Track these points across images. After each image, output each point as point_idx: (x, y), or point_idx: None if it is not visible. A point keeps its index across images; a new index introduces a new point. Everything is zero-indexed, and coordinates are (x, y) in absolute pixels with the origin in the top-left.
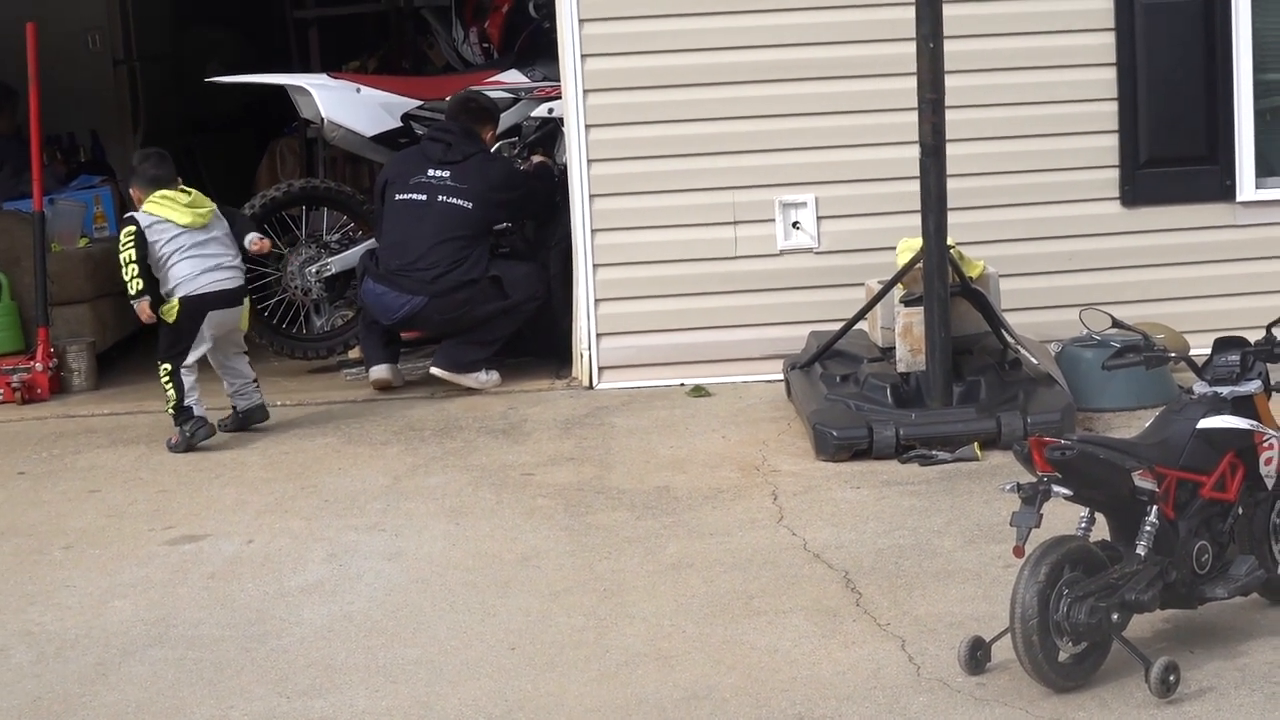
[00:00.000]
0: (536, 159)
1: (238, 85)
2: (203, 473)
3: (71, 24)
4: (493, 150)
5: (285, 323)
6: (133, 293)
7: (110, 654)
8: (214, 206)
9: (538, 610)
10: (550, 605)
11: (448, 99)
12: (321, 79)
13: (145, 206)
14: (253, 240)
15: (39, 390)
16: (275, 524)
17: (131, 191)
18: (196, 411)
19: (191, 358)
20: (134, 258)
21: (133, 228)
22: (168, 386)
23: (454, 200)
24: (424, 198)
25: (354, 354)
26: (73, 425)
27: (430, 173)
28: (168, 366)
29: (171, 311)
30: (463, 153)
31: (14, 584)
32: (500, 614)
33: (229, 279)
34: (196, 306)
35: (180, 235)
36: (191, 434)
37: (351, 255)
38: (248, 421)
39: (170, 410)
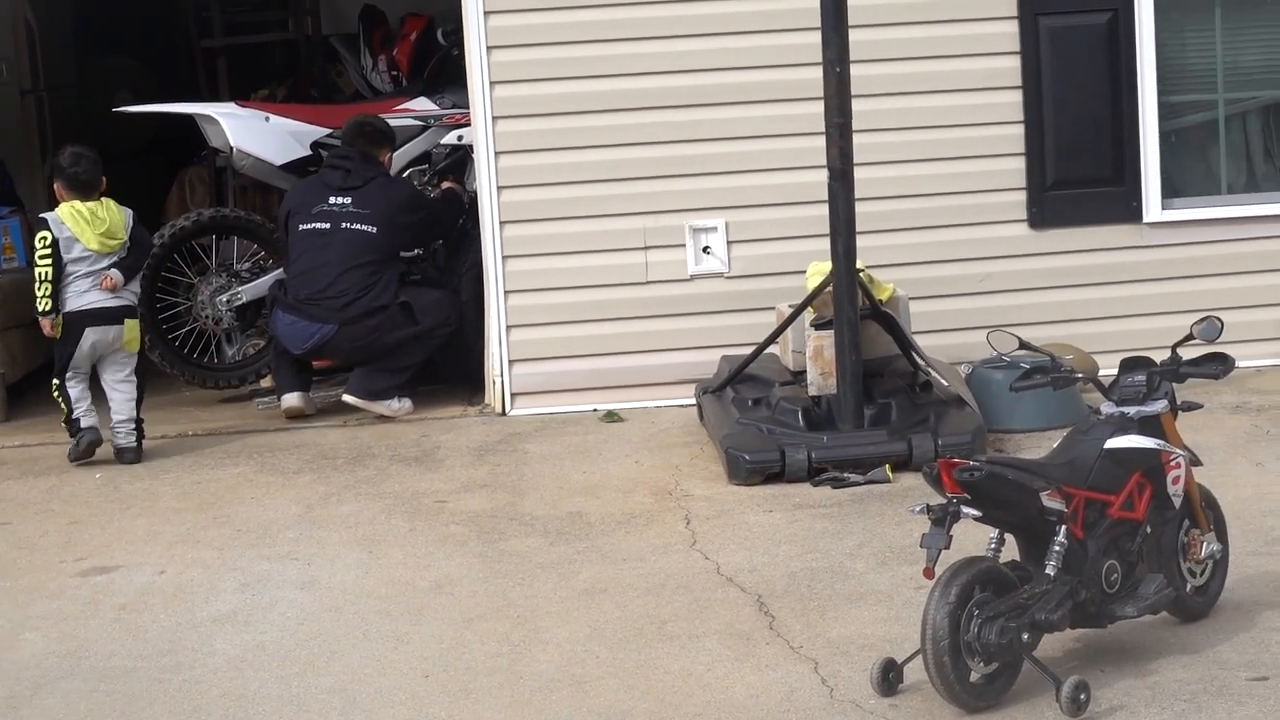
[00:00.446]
0: (446, 185)
1: (146, 114)
2: (114, 504)
3: None
4: (394, 174)
5: (197, 352)
6: (42, 308)
7: (22, 687)
8: (125, 239)
9: (451, 637)
10: (464, 632)
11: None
12: (230, 108)
13: (62, 214)
14: (103, 276)
15: None
16: (187, 554)
17: (55, 187)
18: (84, 423)
19: (72, 372)
20: (50, 276)
21: (48, 236)
22: (58, 399)
23: (358, 226)
24: (327, 226)
25: (266, 383)
26: None
27: (332, 200)
28: (56, 380)
29: (58, 327)
30: (362, 178)
31: None
32: (414, 641)
33: (111, 298)
34: (77, 322)
35: (86, 256)
36: (78, 442)
37: (262, 284)
38: (118, 458)
39: (63, 423)
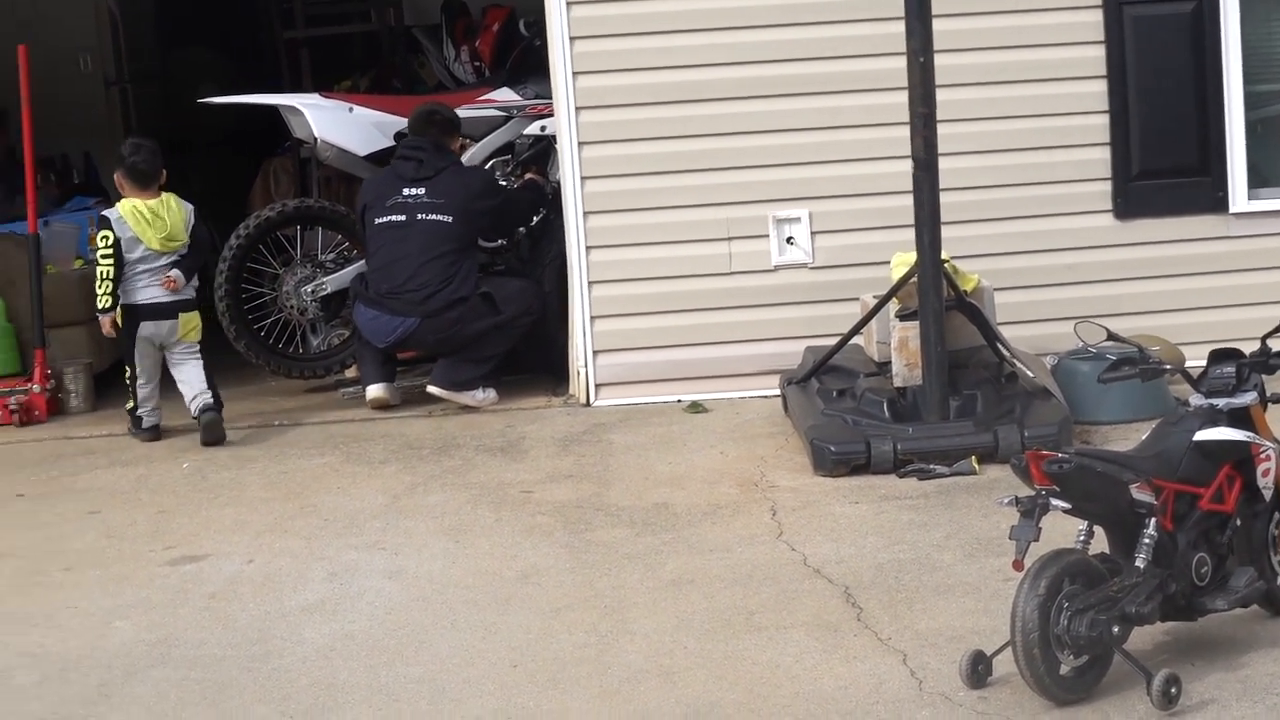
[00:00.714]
0: (529, 176)
1: (230, 105)
2: (202, 493)
3: (63, 46)
4: (477, 165)
5: (282, 342)
6: (102, 305)
7: (113, 675)
8: (186, 240)
9: (539, 627)
10: (551, 622)
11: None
12: (314, 99)
13: (124, 212)
14: (164, 277)
15: (36, 412)
16: (275, 544)
17: (115, 176)
18: (145, 422)
19: (140, 367)
20: (111, 274)
21: (109, 235)
22: (129, 387)
23: (434, 216)
24: (403, 218)
25: (351, 373)
26: (71, 447)
27: (406, 192)
28: (128, 370)
29: (118, 323)
30: (435, 167)
31: (15, 606)
32: (501, 631)
33: (167, 294)
34: (133, 316)
35: (146, 255)
36: (136, 431)
37: (347, 274)
38: (202, 426)
39: (126, 410)
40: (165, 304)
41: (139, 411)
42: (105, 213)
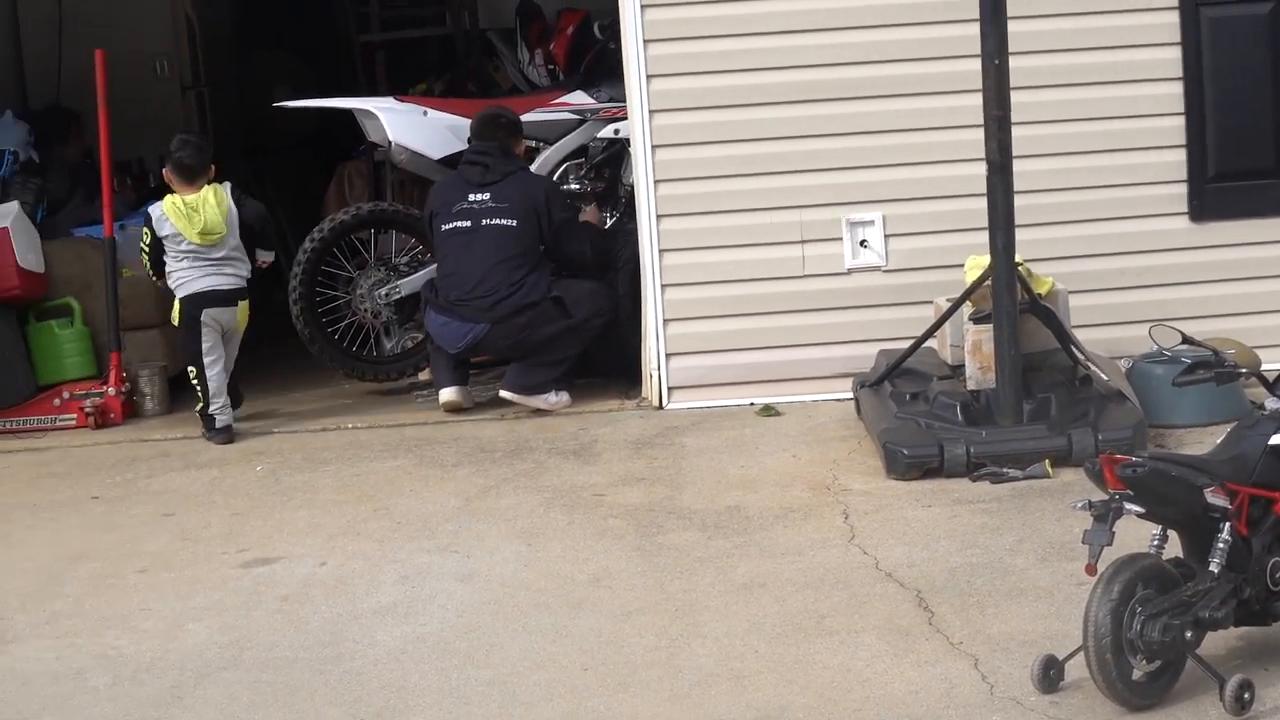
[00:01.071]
0: (583, 219)
1: (305, 109)
2: (275, 495)
3: (140, 51)
4: (556, 170)
5: (355, 345)
6: (152, 276)
7: (185, 677)
8: (225, 232)
9: (610, 631)
10: (622, 626)
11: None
12: (388, 102)
13: (166, 208)
14: (261, 258)
15: (112, 415)
16: (348, 546)
17: (164, 171)
18: (219, 422)
19: (208, 355)
20: (149, 267)
21: (148, 234)
22: (196, 387)
23: (499, 221)
24: (469, 224)
25: (424, 376)
26: (146, 449)
27: (471, 197)
28: (192, 369)
29: (176, 313)
30: (501, 172)
31: (90, 607)
32: (572, 635)
33: (225, 281)
34: (195, 304)
35: (188, 246)
36: (210, 434)
37: (420, 278)
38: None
39: (198, 412)
40: (223, 292)
41: (210, 409)
42: (150, 209)
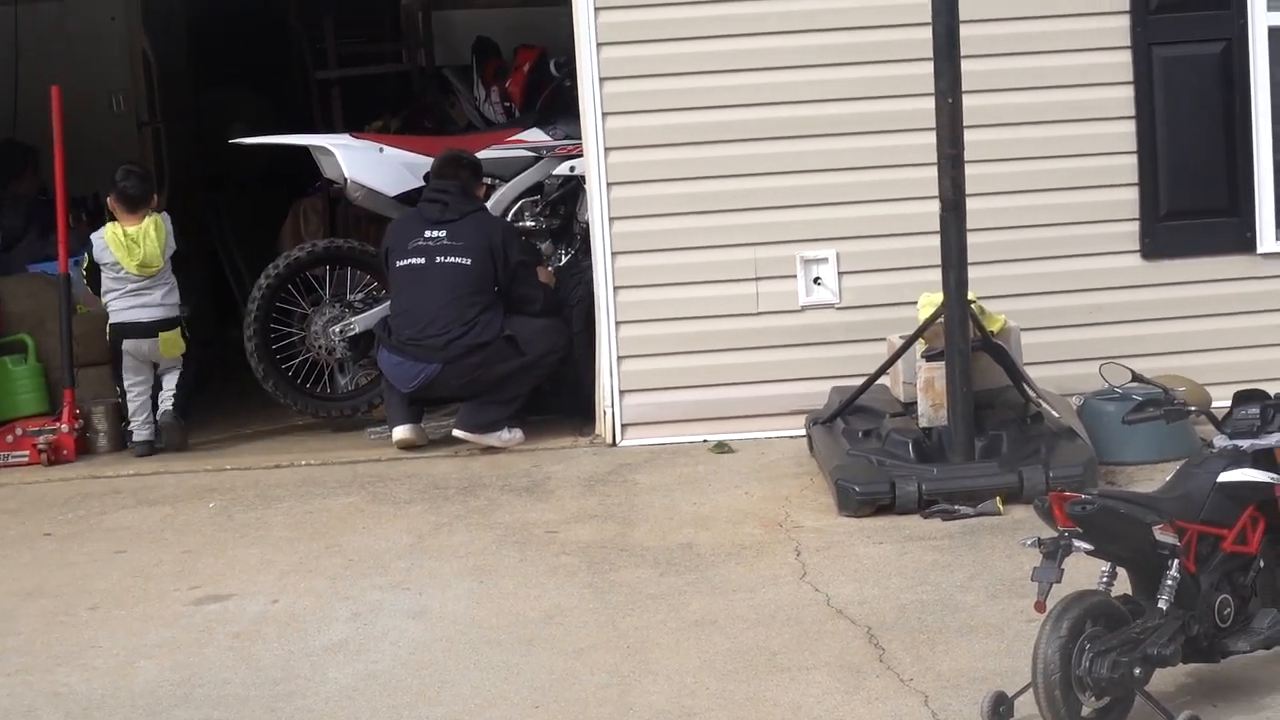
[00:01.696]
0: (542, 279)
1: (262, 145)
2: (227, 532)
3: (96, 86)
4: (511, 207)
5: (310, 382)
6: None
7: (136, 715)
8: (163, 265)
9: (561, 668)
10: (574, 663)
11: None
12: (344, 139)
13: (108, 237)
14: None
15: (65, 451)
16: (300, 583)
17: (109, 200)
18: (136, 436)
19: (128, 378)
20: (88, 287)
21: (86, 259)
22: (121, 401)
23: (453, 259)
24: (423, 260)
25: (378, 413)
26: (98, 486)
27: (427, 234)
28: (118, 389)
29: (107, 334)
30: (459, 210)
31: (41, 645)
32: (524, 672)
33: (147, 313)
34: (118, 333)
35: (124, 275)
36: (133, 446)
37: (374, 314)
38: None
39: (122, 423)
40: (144, 324)
41: (130, 426)
42: (92, 236)
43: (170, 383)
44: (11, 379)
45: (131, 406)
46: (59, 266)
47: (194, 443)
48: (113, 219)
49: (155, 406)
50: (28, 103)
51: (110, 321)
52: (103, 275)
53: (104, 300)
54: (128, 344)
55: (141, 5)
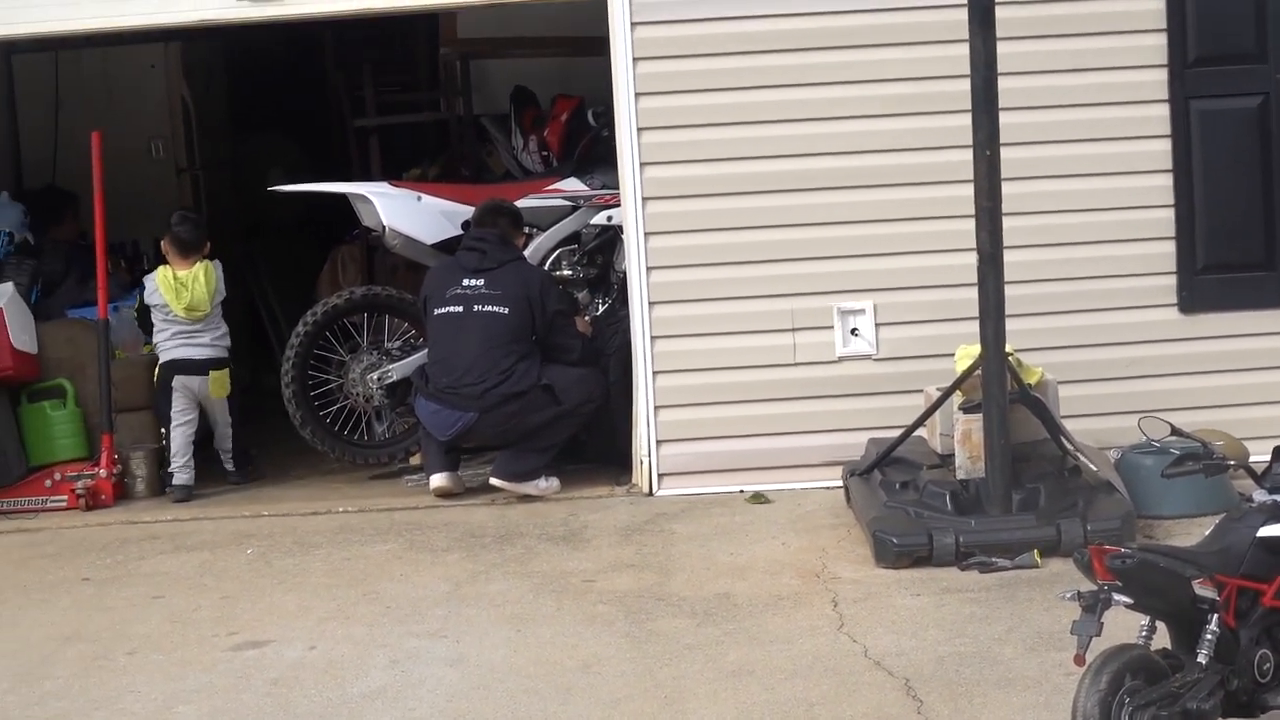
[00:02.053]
0: (578, 323)
1: (300, 193)
2: (265, 579)
3: (135, 132)
4: (549, 257)
5: (347, 429)
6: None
7: None
8: (210, 310)
9: (599, 718)
10: (611, 712)
11: (471, 207)
12: (383, 187)
13: (159, 280)
14: None
15: (103, 497)
16: (338, 630)
17: (162, 243)
18: (177, 480)
19: (175, 419)
20: (140, 328)
21: (139, 300)
22: (166, 445)
23: (491, 308)
24: (460, 309)
25: (415, 460)
26: (136, 531)
27: (466, 282)
28: (163, 430)
29: (156, 376)
30: (498, 259)
31: (79, 689)
32: None
33: (198, 352)
34: (168, 370)
35: (173, 317)
36: (171, 491)
37: (412, 362)
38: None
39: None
40: (196, 361)
41: (171, 468)
42: (145, 278)
43: (224, 430)
44: (50, 424)
45: (174, 446)
46: (98, 312)
47: (227, 488)
48: (164, 262)
49: (195, 450)
50: (67, 149)
51: (161, 361)
52: (153, 316)
53: (154, 340)
54: (178, 380)
55: (181, 53)
